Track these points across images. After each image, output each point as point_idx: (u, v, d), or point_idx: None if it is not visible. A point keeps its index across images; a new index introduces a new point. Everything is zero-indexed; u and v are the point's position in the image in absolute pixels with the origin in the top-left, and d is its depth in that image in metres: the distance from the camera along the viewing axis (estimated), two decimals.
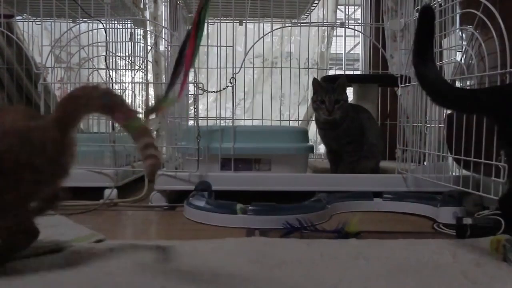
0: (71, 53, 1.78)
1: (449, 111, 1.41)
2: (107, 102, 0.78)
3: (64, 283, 0.72)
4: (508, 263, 0.84)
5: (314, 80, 1.54)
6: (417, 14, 1.60)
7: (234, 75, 1.50)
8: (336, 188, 1.44)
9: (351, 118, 1.55)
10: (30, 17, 1.94)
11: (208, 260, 0.85)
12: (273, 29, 1.75)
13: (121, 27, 1.86)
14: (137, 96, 2.02)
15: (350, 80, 1.83)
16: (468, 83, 1.34)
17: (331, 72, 2.35)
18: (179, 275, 0.76)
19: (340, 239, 1.02)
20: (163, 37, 2.02)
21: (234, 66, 1.52)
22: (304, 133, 1.60)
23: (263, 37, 1.72)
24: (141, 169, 1.81)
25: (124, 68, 1.84)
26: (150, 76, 2.14)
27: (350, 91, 1.89)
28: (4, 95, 2.05)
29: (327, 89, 1.50)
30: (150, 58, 2.09)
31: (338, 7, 2.28)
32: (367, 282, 0.74)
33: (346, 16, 2.28)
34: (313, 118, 1.65)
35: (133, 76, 1.86)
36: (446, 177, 1.30)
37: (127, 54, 1.85)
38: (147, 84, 2.04)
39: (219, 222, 1.19)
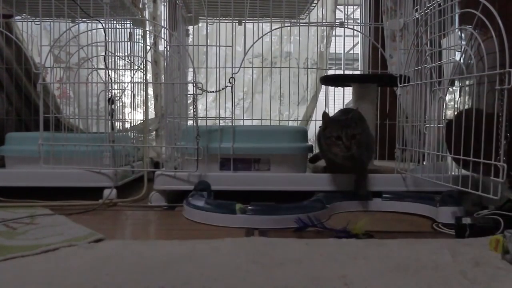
0: (70, 53, 1.78)
1: (449, 111, 1.41)
2: None
3: (63, 283, 0.72)
4: (506, 259, 0.85)
5: (324, 113, 1.42)
6: (416, 14, 1.60)
7: (234, 75, 1.49)
8: (335, 188, 1.45)
9: (363, 133, 1.39)
10: (29, 17, 1.94)
11: (207, 260, 0.85)
12: (273, 29, 1.75)
13: (120, 27, 1.85)
14: (136, 96, 2.02)
15: (350, 80, 1.83)
16: (467, 82, 1.34)
17: (331, 72, 2.35)
18: (178, 275, 0.76)
19: (346, 238, 1.02)
20: (162, 37, 2.02)
21: (234, 66, 1.51)
22: (303, 133, 1.60)
23: (262, 36, 1.72)
24: (140, 169, 1.81)
25: (124, 68, 1.83)
26: (149, 76, 2.13)
27: (349, 91, 1.89)
28: (3, 95, 2.05)
29: (341, 124, 1.35)
30: (149, 58, 2.08)
31: (337, 6, 2.27)
32: (367, 282, 0.74)
33: (345, 16, 2.28)
34: (319, 143, 1.55)
35: (132, 76, 1.86)
36: (445, 176, 1.30)
37: (126, 54, 1.85)
38: (146, 84, 2.03)
39: (218, 222, 1.19)
